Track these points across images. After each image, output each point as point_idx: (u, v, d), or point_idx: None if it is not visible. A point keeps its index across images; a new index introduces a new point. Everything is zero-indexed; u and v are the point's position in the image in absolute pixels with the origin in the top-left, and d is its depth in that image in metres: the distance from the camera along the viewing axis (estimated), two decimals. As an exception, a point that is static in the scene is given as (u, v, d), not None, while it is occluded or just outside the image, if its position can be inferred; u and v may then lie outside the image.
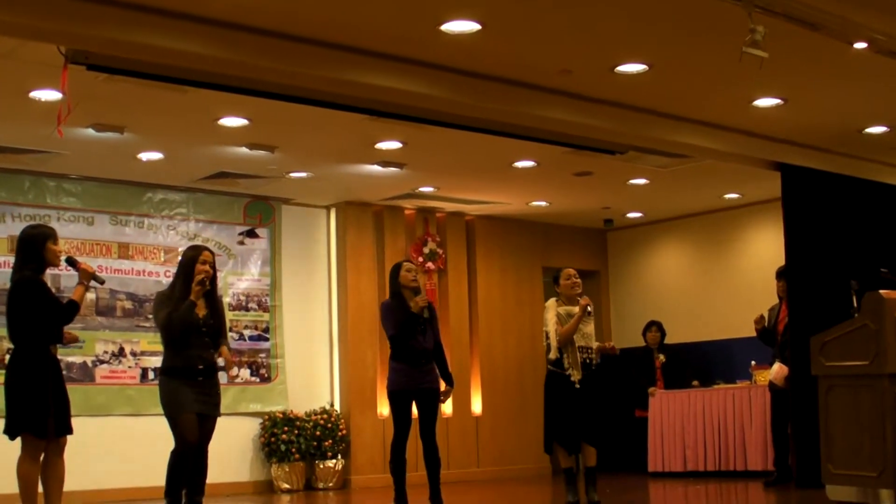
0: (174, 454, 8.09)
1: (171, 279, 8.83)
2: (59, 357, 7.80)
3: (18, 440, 7.52)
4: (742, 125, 10.92)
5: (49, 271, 8.04)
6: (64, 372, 7.87)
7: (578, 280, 9.98)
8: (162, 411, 8.21)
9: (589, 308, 9.73)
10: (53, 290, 8.15)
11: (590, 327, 9.84)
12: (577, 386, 9.69)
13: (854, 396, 8.83)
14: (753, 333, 12.26)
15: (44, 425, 7.43)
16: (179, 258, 8.70)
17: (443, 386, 9.66)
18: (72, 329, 8.05)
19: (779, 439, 11.95)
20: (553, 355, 9.77)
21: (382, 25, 8.00)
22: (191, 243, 12.73)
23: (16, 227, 11.84)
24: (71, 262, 7.98)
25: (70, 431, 7.71)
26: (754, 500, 10.54)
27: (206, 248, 8.53)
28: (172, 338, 8.18)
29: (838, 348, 8.97)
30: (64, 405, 7.63)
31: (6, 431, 7.51)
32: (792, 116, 10.57)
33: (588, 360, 9.78)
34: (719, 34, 8.11)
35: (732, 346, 14.89)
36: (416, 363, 9.38)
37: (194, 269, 8.26)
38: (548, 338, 9.83)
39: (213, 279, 8.39)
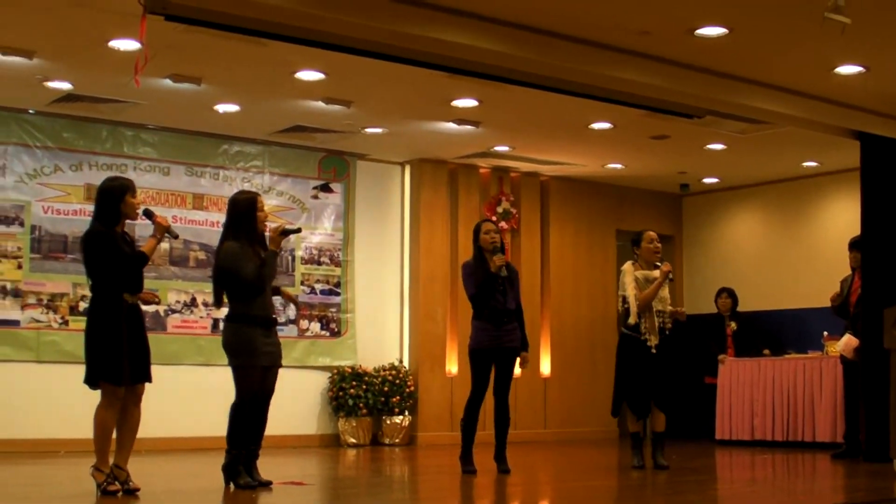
0: (236, 407, 7.98)
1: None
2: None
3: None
4: (822, 92, 10.75)
5: (128, 222, 8.04)
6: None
7: (660, 245, 9.95)
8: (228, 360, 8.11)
9: (671, 275, 9.71)
10: (136, 238, 8.10)
11: (665, 291, 9.81)
12: (654, 351, 9.68)
13: (926, 371, 8.72)
14: (827, 303, 12.10)
15: (119, 373, 7.46)
16: (231, 204, 8.24)
17: None
18: (147, 277, 7.95)
19: (851, 412, 11.79)
20: (633, 320, 9.71)
21: (460, -18, 7.98)
22: (266, 196, 12.83)
23: (93, 175, 12.01)
24: (148, 213, 7.93)
25: (148, 379, 7.69)
26: (821, 472, 10.42)
27: (258, 193, 8.42)
28: (259, 289, 8.01)
29: (912, 322, 8.85)
30: (141, 353, 7.63)
31: (87, 381, 7.56)
32: (873, 85, 10.40)
33: (663, 325, 9.75)
34: (801, -1, 8.00)
35: (805, 316, 14.73)
36: (499, 322, 9.33)
37: (256, 216, 8.11)
38: (625, 302, 9.78)
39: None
